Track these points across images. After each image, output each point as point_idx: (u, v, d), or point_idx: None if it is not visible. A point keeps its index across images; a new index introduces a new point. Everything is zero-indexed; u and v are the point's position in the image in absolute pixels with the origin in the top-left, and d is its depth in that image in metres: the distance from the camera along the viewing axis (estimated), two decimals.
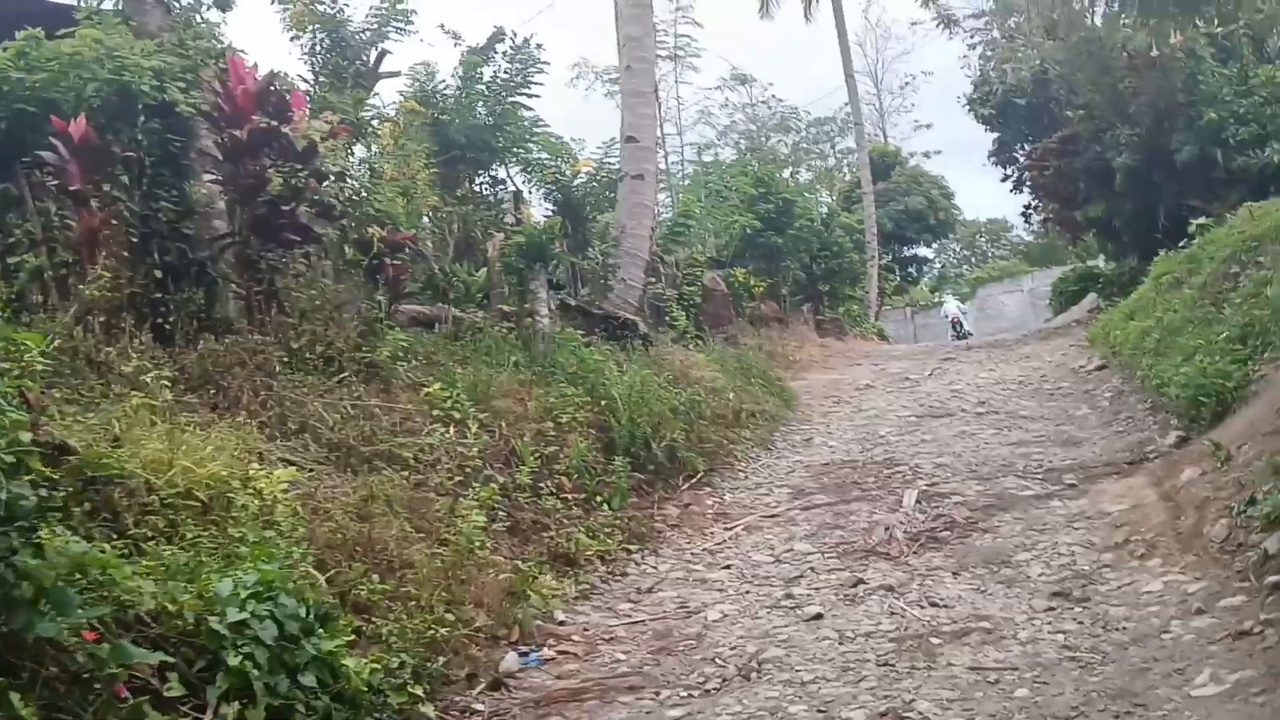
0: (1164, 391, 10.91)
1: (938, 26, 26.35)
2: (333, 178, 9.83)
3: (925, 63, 79.91)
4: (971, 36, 26.70)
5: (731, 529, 9.64)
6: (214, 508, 5.99)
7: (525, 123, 16.98)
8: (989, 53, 27.31)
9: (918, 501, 9.53)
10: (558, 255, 12.16)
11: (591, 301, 14.28)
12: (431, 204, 14.22)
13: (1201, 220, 16.20)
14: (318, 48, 13.25)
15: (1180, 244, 18.04)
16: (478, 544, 7.41)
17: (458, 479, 8.46)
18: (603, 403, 10.58)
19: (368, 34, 13.56)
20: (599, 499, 9.45)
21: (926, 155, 52.74)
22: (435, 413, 9.31)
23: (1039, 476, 9.91)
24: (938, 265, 68.07)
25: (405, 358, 10.28)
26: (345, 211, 10.25)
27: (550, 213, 19.71)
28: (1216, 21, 19.24)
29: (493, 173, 17.91)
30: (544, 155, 18.79)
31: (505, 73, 16.06)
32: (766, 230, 28.26)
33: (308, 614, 5.08)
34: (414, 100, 15.44)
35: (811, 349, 24.43)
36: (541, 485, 9.12)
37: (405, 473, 8.10)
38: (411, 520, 7.51)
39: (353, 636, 5.54)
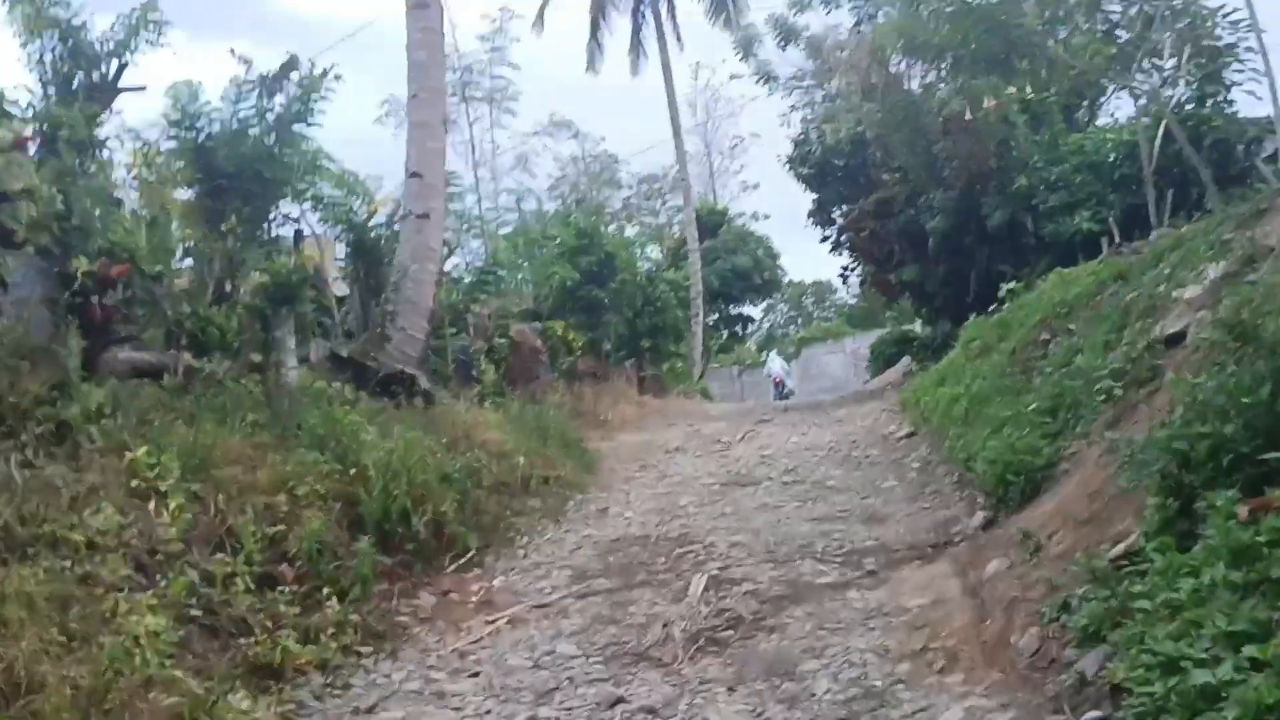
0: (971, 466, 10.04)
1: (757, 82, 25.80)
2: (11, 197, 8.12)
3: (754, 125, 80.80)
4: (789, 93, 26.31)
5: (493, 622, 8.22)
6: None
7: (306, 154, 15.47)
8: (810, 114, 26.97)
9: (705, 589, 8.30)
10: (311, 298, 10.61)
11: (366, 353, 12.75)
12: (186, 238, 12.51)
13: (1012, 285, 15.70)
14: (48, 56, 11.44)
15: (991, 308, 17.62)
16: (144, 656, 5.83)
17: (144, 568, 6.87)
18: (352, 471, 9.06)
19: (112, 44, 11.82)
20: (332, 590, 7.90)
21: (755, 217, 52.76)
22: (135, 484, 7.69)
23: (838, 560, 8.81)
24: (765, 324, 68.57)
25: (111, 415, 8.62)
26: (31, 239, 8.52)
27: (346, 255, 18.19)
28: (1029, 88, 19.11)
29: (278, 210, 16.28)
30: (336, 192, 17.27)
31: (284, 100, 14.52)
32: (588, 283, 27.15)
33: None
34: (176, 122, 13.74)
35: (628, 407, 23.26)
36: (258, 574, 7.56)
37: (71, 562, 6.46)
38: (64, 626, 5.90)
39: None
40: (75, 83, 11.61)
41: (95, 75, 11.72)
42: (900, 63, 22.73)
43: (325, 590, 7.74)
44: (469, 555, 9.83)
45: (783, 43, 23.95)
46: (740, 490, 12.66)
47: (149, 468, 7.85)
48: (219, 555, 7.59)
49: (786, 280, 54.37)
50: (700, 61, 62.51)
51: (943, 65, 20.64)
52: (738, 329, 51.59)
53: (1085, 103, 22.10)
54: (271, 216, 15.70)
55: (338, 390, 11.41)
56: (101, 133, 11.62)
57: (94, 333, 9.09)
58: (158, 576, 7.02)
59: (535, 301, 28.38)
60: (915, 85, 22.93)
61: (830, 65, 24.76)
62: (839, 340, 51.05)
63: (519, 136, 33.69)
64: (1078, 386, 9.00)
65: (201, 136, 14.06)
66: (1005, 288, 15.80)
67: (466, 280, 20.75)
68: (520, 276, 27.76)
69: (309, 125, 17.24)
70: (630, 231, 46.12)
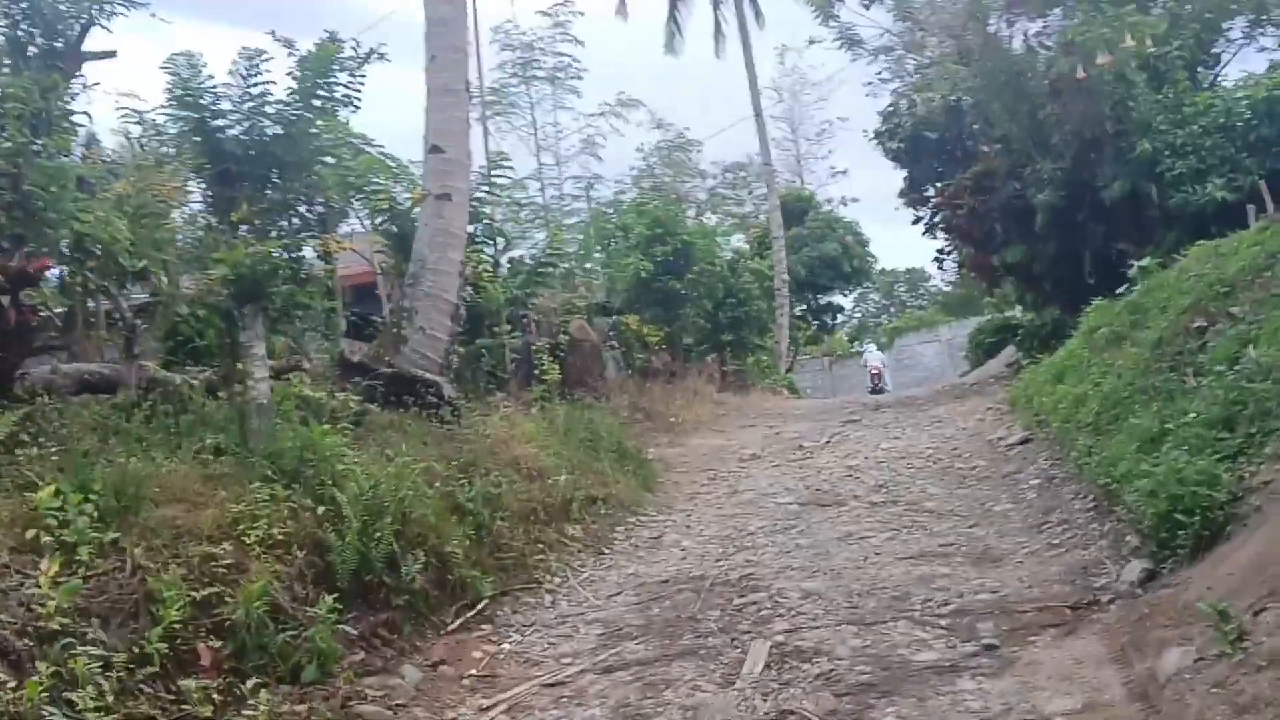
0: (1114, 491, 7.76)
1: (840, 47, 23.41)
2: None
3: (843, 108, 77.73)
4: (874, 59, 23.84)
5: (489, 710, 6.23)
6: None
7: (334, 136, 13.68)
8: (899, 84, 24.47)
9: (766, 666, 6.22)
10: (285, 293, 8.70)
11: (378, 357, 10.87)
12: (173, 230, 10.81)
13: (1144, 262, 13.23)
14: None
15: (1111, 292, 15.15)
16: None
17: (5, 655, 5.07)
18: (320, 510, 7.14)
19: (81, 4, 10.10)
20: (274, 672, 5.99)
21: (843, 202, 50.15)
22: (31, 534, 5.90)
23: (943, 624, 6.63)
24: (856, 315, 65.81)
25: (29, 444, 6.88)
26: None
27: (386, 247, 16.43)
28: (1148, 41, 16.54)
29: (303, 198, 14.52)
30: (375, 179, 15.47)
31: (307, 77, 12.75)
32: (663, 274, 25.16)
33: None
34: (178, 98, 12.05)
35: (704, 407, 21.18)
36: (177, 653, 5.69)
37: None
38: None
39: None
40: (31, 49, 9.89)
41: (57, 40, 9.99)
42: (1000, 20, 20.24)
43: (260, 676, 5.82)
44: (480, 606, 7.87)
45: (867, 1, 21.61)
46: (820, 512, 10.53)
47: (56, 510, 6.05)
48: (132, 625, 5.78)
49: (877, 268, 51.64)
50: (785, 45, 59.75)
51: (1049, 16, 18.18)
52: (827, 319, 49.02)
53: (1210, 57, 19.36)
54: (297, 206, 14.03)
55: (340, 403, 9.55)
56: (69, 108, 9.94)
57: (6, 342, 7.32)
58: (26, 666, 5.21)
59: (608, 295, 26.48)
60: (1017, 45, 20.37)
61: (921, 27, 22.28)
62: (933, 329, 48.30)
63: (584, 119, 31.58)
64: (1263, 389, 6.69)
65: (206, 115, 12.42)
66: (1136, 265, 13.33)
67: (523, 273, 18.81)
68: (590, 268, 25.79)
69: (351, 108, 15.60)
70: (713, 222, 43.94)
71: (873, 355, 39.30)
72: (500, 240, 18.53)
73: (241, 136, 12.57)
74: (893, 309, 65.21)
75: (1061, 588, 7.01)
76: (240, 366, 8.04)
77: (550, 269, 19.33)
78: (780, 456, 14.80)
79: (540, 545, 9.33)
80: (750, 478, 13.30)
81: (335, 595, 6.64)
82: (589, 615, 7.90)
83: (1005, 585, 7.26)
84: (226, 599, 6.17)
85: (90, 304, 9.97)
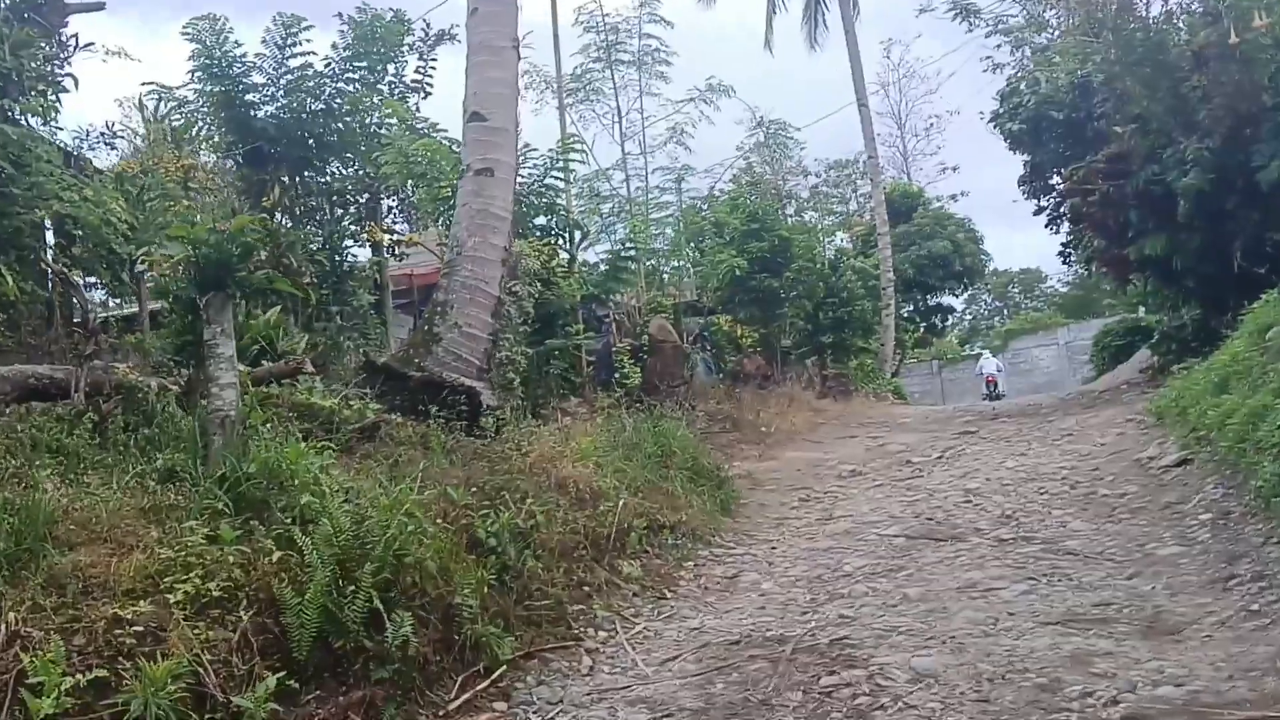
0: None
1: (954, 19, 21.20)
2: None
3: (953, 102, 74.55)
4: (991, 32, 21.56)
5: None
6: None
7: (391, 121, 12.18)
8: (1022, 59, 22.11)
9: None
10: (258, 280, 7.03)
11: (408, 359, 9.22)
12: (188, 213, 9.33)
13: None
14: None
15: (1263, 289, 12.90)
16: None
17: None
18: (276, 556, 5.47)
19: None
20: None
21: (953, 198, 47.39)
22: None
23: None
24: (968, 316, 62.87)
25: None
26: None
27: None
28: None
29: (351, 184, 13.05)
30: (439, 163, 13.94)
31: (357, 48, 11.27)
32: (759, 272, 23.34)
33: None
34: (203, 67, 10.63)
35: (800, 414, 19.25)
36: None
37: None
38: None
39: None
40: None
41: None
42: None
43: None
44: (495, 674, 6.14)
45: None
46: (934, 550, 8.56)
47: None
48: None
49: (990, 268, 48.79)
50: (892, 38, 57.19)
51: None
52: (936, 321, 46.37)
53: None
54: (344, 192, 12.56)
55: (354, 412, 7.92)
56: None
57: None
58: None
59: (699, 294, 24.73)
60: (1155, 11, 17.98)
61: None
62: (1051, 332, 45.44)
63: (672, 106, 29.56)
64: None
65: (236, 88, 11.00)
66: None
67: (601, 269, 17.17)
68: (680, 265, 24.01)
69: (422, 94, 14.22)
70: (815, 220, 41.71)
71: (988, 362, 36.71)
72: (576, 233, 16.89)
73: (277, 112, 11.15)
74: (1006, 311, 62.00)
75: (1276, 676, 4.99)
76: (207, 369, 6.43)
77: (630, 264, 17.57)
78: (885, 474, 12.83)
79: (585, 589, 7.57)
80: (849, 500, 11.37)
81: (287, 671, 5.01)
82: (634, 689, 6.10)
83: (1194, 674, 5.24)
84: (126, 682, 4.56)
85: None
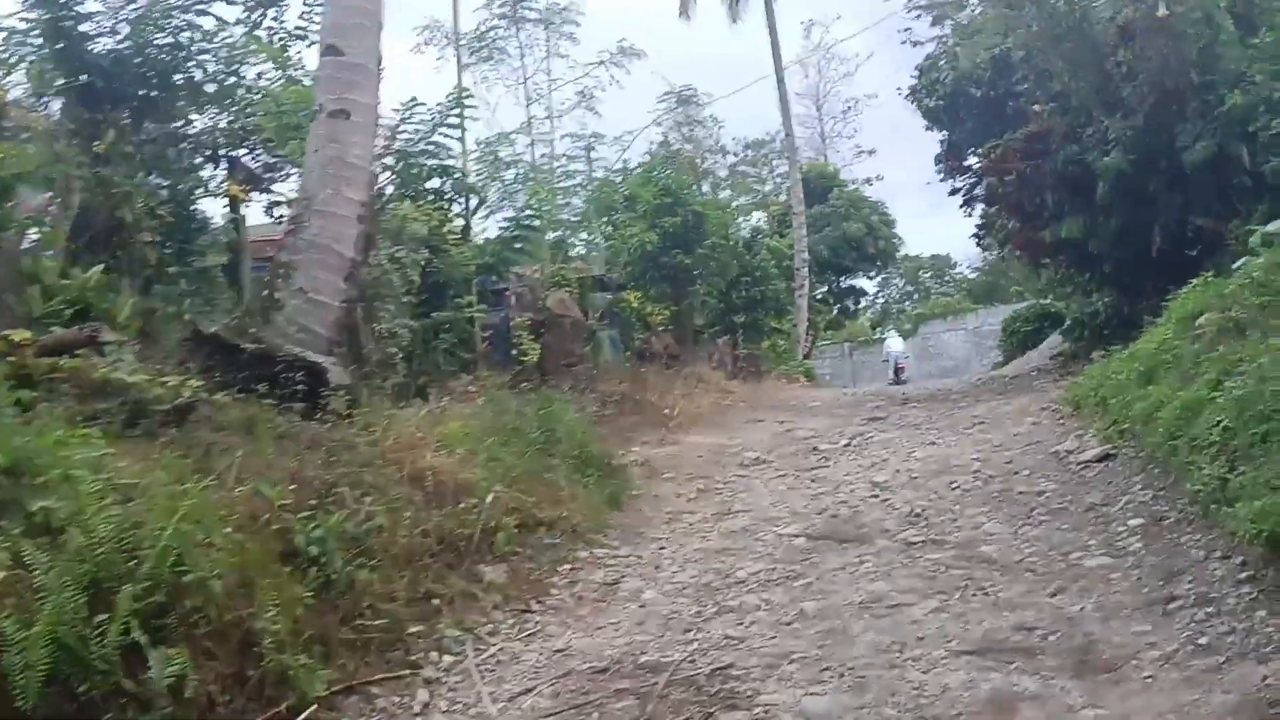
0: None
1: None
2: None
3: (871, 86, 73.98)
4: (909, 9, 20.67)
5: None
6: None
7: (253, 61, 10.79)
8: (941, 35, 21.24)
9: None
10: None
11: (242, 329, 7.92)
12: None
13: (1272, 227, 10.12)
14: None
15: (1181, 275, 12.21)
16: None
17: None
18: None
19: None
20: None
21: (869, 181, 46.85)
22: None
23: None
24: (880, 300, 62.59)
25: None
26: None
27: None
28: None
29: (214, 136, 11.62)
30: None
31: None
32: (671, 248, 22.22)
33: None
34: None
35: (708, 396, 18.22)
36: None
37: None
38: None
39: None
40: None
41: None
42: None
43: None
44: (302, 717, 4.95)
45: None
46: (837, 554, 7.54)
47: None
48: None
49: (902, 252, 48.39)
50: (813, 19, 56.40)
51: None
52: (849, 303, 45.89)
53: None
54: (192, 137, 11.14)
55: (168, 390, 6.62)
56: None
57: None
58: None
59: (608, 268, 23.53)
60: None
61: None
62: (960, 317, 45.08)
63: (582, 69, 28.22)
64: None
65: (63, 14, 9.55)
66: (1261, 231, 10.19)
67: (495, 238, 15.92)
68: (590, 238, 22.80)
69: (309, 43, 12.82)
70: (738, 201, 40.82)
71: (895, 345, 36.09)
72: (472, 198, 15.62)
73: (116, 46, 9.72)
74: (917, 295, 61.86)
75: None
76: None
77: (530, 233, 16.34)
78: (790, 463, 11.84)
79: (435, 602, 6.40)
80: (750, 492, 10.34)
81: None
82: None
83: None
84: None
85: None
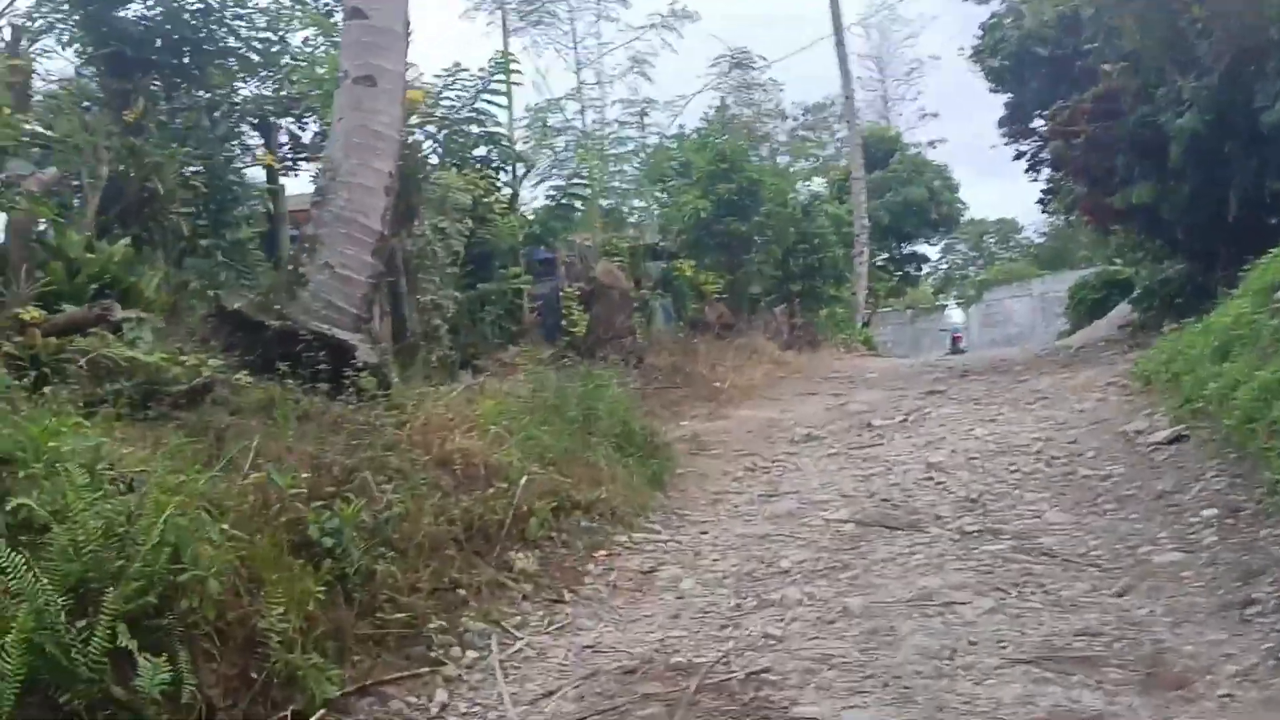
0: None
1: None
2: None
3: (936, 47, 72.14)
4: None
5: None
6: None
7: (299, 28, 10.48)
8: None
9: None
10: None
11: (267, 305, 7.64)
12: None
13: None
14: None
15: (1260, 243, 11.48)
16: None
17: None
18: None
19: None
20: None
21: (931, 144, 45.72)
22: None
23: None
24: (942, 266, 61.37)
25: None
26: None
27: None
28: None
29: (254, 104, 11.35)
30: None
31: None
32: (726, 216, 21.71)
33: None
34: None
35: (761, 367, 17.79)
36: None
37: None
38: None
39: None
40: None
41: None
42: None
43: None
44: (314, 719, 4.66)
45: None
46: (886, 544, 7.10)
47: None
48: None
49: (966, 217, 47.21)
50: None
51: None
52: (910, 270, 44.91)
53: None
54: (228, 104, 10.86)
55: (187, 370, 6.35)
56: None
57: None
58: None
59: (662, 237, 23.08)
60: None
61: None
62: (1025, 283, 43.96)
63: (632, 32, 27.47)
64: None
65: None
66: None
67: (544, 207, 15.54)
68: (643, 206, 22.35)
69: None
70: (796, 167, 39.99)
71: (953, 316, 35.29)
72: (520, 166, 15.24)
73: (146, 12, 9.44)
74: (981, 261, 60.51)
75: None
76: None
77: (579, 201, 15.94)
78: (842, 439, 11.39)
79: (458, 593, 6.08)
80: (798, 472, 9.93)
81: None
82: None
83: None
84: None
85: None
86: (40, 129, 8.10)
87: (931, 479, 8.81)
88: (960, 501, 7.95)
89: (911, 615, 5.64)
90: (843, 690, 4.75)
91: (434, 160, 13.27)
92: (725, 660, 5.28)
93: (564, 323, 15.73)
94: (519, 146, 15.73)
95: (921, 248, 44.74)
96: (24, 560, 3.91)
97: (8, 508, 4.11)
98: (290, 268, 8.09)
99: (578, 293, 16.24)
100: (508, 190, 15.03)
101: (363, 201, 7.95)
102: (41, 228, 7.42)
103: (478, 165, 14.26)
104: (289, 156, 12.11)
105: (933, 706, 4.48)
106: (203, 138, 10.13)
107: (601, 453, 8.83)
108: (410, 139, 11.55)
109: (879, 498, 8.41)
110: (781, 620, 5.81)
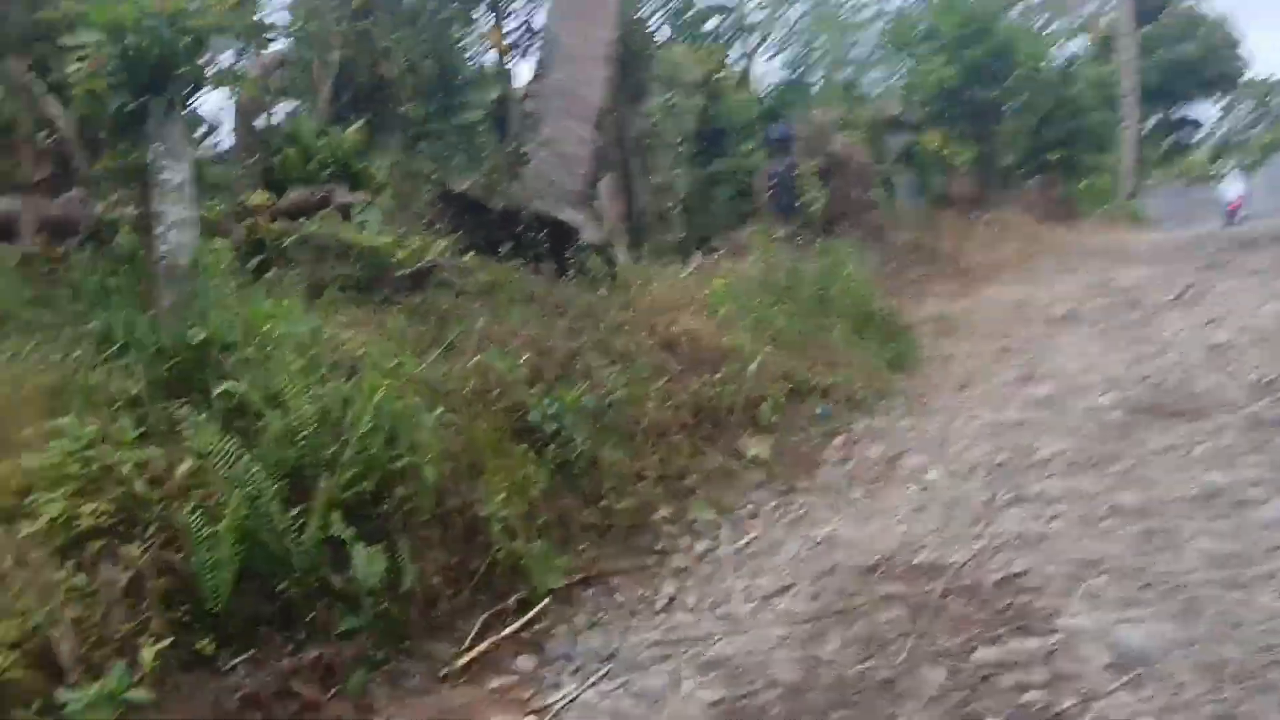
0: None
1: None
2: None
3: None
4: None
5: None
6: None
7: None
8: None
9: None
10: (206, 77, 5.16)
11: (491, 187, 7.41)
12: None
13: None
14: None
15: None
16: None
17: None
18: (185, 467, 3.88)
19: None
20: None
21: None
22: None
23: None
24: (1220, 130, 55.79)
25: None
26: None
27: None
28: None
29: None
30: None
31: None
32: (974, 83, 20.21)
33: None
34: None
35: (1013, 243, 16.58)
36: None
37: None
38: None
39: None
40: None
41: None
42: None
43: None
44: (532, 613, 4.49)
45: None
46: (1161, 433, 6.27)
47: None
48: None
49: (1247, 75, 42.34)
50: None
51: None
52: (1183, 136, 40.86)
53: None
54: None
55: (411, 253, 6.25)
56: None
57: None
58: None
59: (904, 108, 21.75)
60: None
61: None
62: None
63: None
64: None
65: None
66: None
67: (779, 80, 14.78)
68: (882, 76, 21.09)
69: None
70: (1054, 26, 36.76)
71: (1233, 186, 31.82)
72: (752, 38, 14.50)
73: None
74: (1267, 122, 54.51)
75: None
76: (153, 204, 4.78)
77: (806, 77, 15.08)
78: (1106, 318, 10.34)
79: (686, 481, 5.78)
80: (1057, 354, 9.04)
81: (205, 628, 3.51)
82: (715, 644, 4.33)
83: None
84: None
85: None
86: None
87: (1214, 357, 7.79)
88: (1251, 386, 6.93)
89: (1195, 516, 4.89)
90: (1114, 600, 4.14)
91: (663, 35, 12.76)
92: (976, 560, 4.75)
93: (799, 201, 15.07)
94: (752, 18, 14.94)
95: (1195, 111, 40.56)
96: (237, 446, 3.83)
97: (219, 391, 4.03)
98: (512, 146, 7.87)
99: (815, 169, 15.48)
100: (741, 64, 14.33)
101: (583, 72, 7.56)
102: (275, 113, 7.47)
103: (709, 39, 13.62)
104: (519, 42, 11.89)
105: (1225, 623, 3.81)
106: (429, 22, 9.98)
107: (839, 334, 8.31)
108: (637, 14, 11.08)
109: (1151, 382, 7.49)
110: (1040, 518, 5.19)
